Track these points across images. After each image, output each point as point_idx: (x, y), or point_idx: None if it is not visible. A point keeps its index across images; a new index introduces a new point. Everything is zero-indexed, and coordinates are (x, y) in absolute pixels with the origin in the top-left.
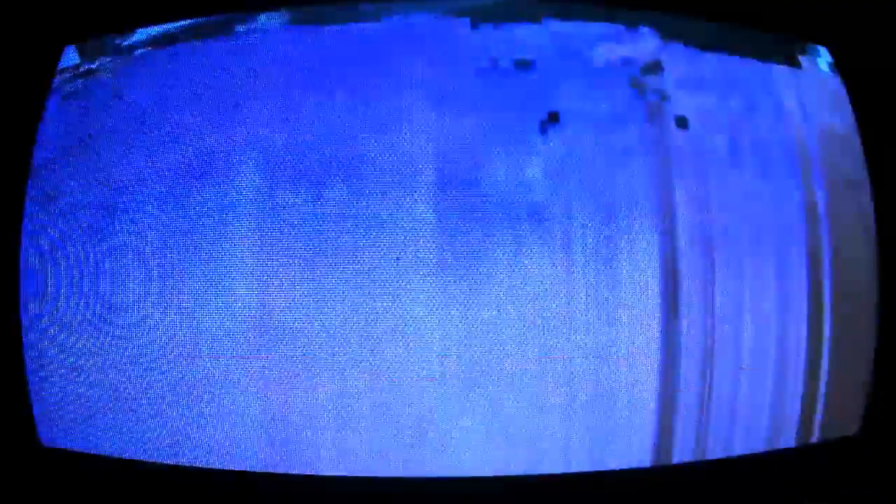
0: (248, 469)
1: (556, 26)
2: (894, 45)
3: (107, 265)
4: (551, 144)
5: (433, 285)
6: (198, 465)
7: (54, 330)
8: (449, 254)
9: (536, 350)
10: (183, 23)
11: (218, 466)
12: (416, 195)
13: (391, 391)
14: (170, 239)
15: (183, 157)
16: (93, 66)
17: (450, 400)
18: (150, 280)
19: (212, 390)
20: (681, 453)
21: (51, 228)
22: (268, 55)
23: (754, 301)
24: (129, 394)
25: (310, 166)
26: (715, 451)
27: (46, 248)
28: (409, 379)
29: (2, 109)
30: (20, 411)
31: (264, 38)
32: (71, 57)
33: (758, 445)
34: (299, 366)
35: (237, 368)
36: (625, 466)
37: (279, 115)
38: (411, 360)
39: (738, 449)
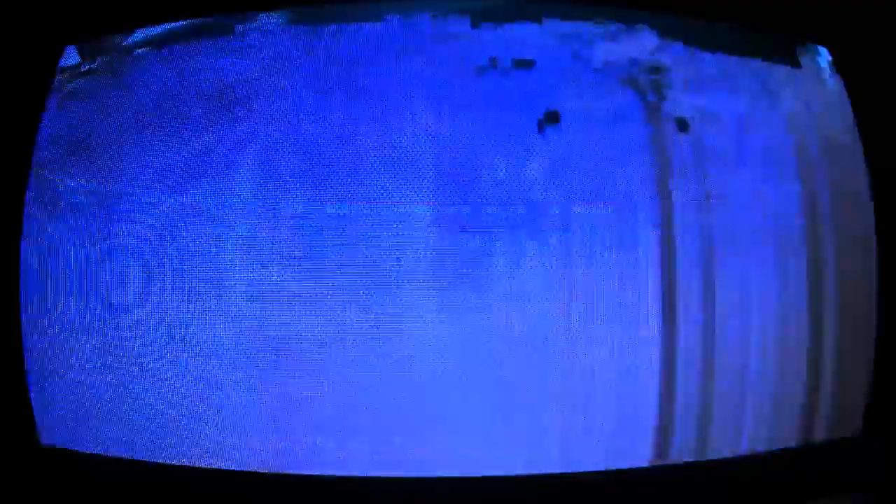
0: (248, 469)
1: (556, 26)
2: (894, 45)
3: (107, 265)
4: (550, 144)
5: (433, 285)
6: (198, 465)
7: (54, 330)
8: (448, 254)
9: (536, 350)
10: (183, 23)
11: (218, 466)
12: (415, 195)
13: (391, 391)
14: (169, 239)
15: (183, 157)
16: (93, 66)
17: (450, 400)
18: (149, 280)
19: (212, 390)
20: (681, 453)
21: (51, 228)
22: (267, 55)
23: (755, 301)
24: (129, 394)
25: (309, 167)
26: (715, 451)
27: (46, 248)
28: (409, 379)
29: (2, 109)
30: (20, 411)
31: (264, 39)
32: (71, 57)
33: (759, 445)
34: (299, 366)
35: (237, 368)
36: (625, 466)
37: (279, 116)
38: (411, 360)
39: (739, 449)
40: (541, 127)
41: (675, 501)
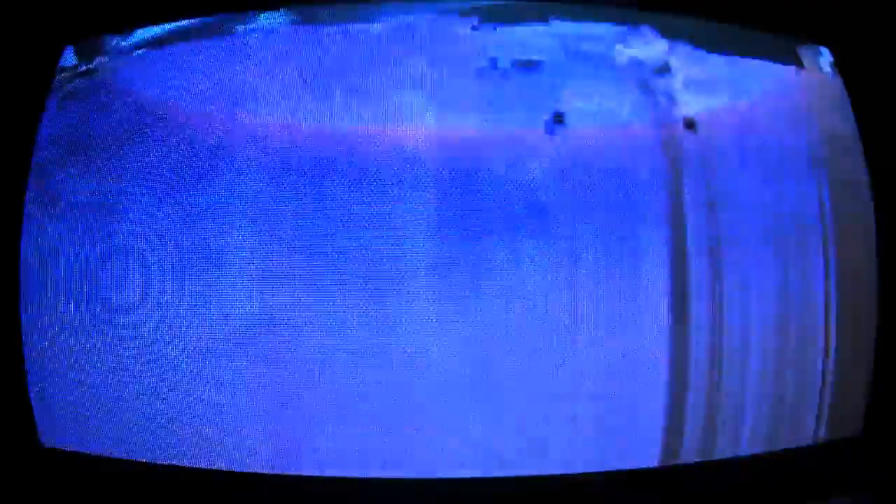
0: (248, 469)
1: (562, 27)
2: (894, 45)
3: (107, 265)
4: (556, 145)
5: (434, 285)
6: (198, 465)
7: (54, 330)
8: (450, 254)
9: (540, 350)
10: (183, 23)
11: (218, 467)
12: (417, 196)
13: (391, 391)
14: (170, 239)
15: (182, 157)
16: (92, 66)
17: (451, 400)
18: (150, 280)
19: (212, 390)
20: (685, 453)
21: (51, 228)
22: (268, 56)
23: (756, 302)
24: (129, 394)
25: (310, 167)
26: (717, 452)
27: (46, 248)
28: (409, 379)
29: (2, 109)
30: (20, 411)
31: (264, 39)
32: (70, 57)
33: (760, 446)
34: (299, 366)
35: (237, 369)
36: (629, 467)
37: (279, 116)
38: (412, 360)
39: (742, 449)
40: (546, 128)
41: (676, 502)
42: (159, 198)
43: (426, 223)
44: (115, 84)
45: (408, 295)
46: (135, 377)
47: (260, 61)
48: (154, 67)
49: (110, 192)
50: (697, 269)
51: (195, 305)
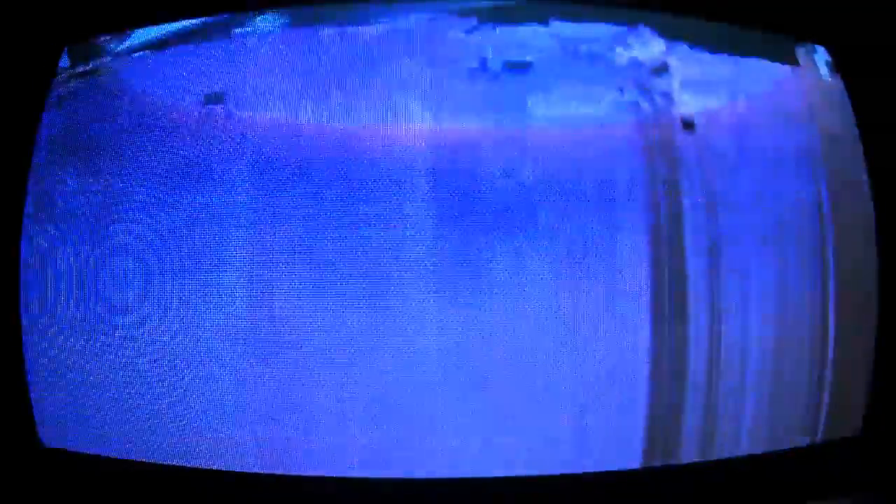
0: (247, 470)
1: (557, 27)
2: (894, 45)
3: (106, 266)
4: (551, 146)
5: (430, 286)
6: (197, 465)
7: (54, 330)
8: (445, 255)
9: (535, 351)
10: (180, 25)
11: (217, 467)
12: (412, 196)
13: (390, 392)
14: (169, 239)
15: (181, 157)
16: (91, 68)
17: (449, 400)
18: (149, 281)
19: (211, 391)
20: (683, 454)
21: (51, 229)
22: (264, 58)
23: (756, 302)
24: (129, 394)
25: (306, 169)
26: (717, 452)
27: (46, 248)
28: (407, 380)
29: (2, 109)
30: (20, 411)
31: (261, 41)
32: (69, 58)
33: (759, 446)
34: (298, 366)
35: (236, 369)
36: (626, 467)
37: (276, 118)
38: (410, 360)
39: (740, 449)
40: (542, 128)
41: (676, 502)
42: (158, 198)
43: (422, 224)
44: (114, 85)
45: (404, 295)
46: (134, 377)
47: (257, 63)
48: (153, 69)
49: (109, 192)
50: (696, 270)
51: (194, 306)
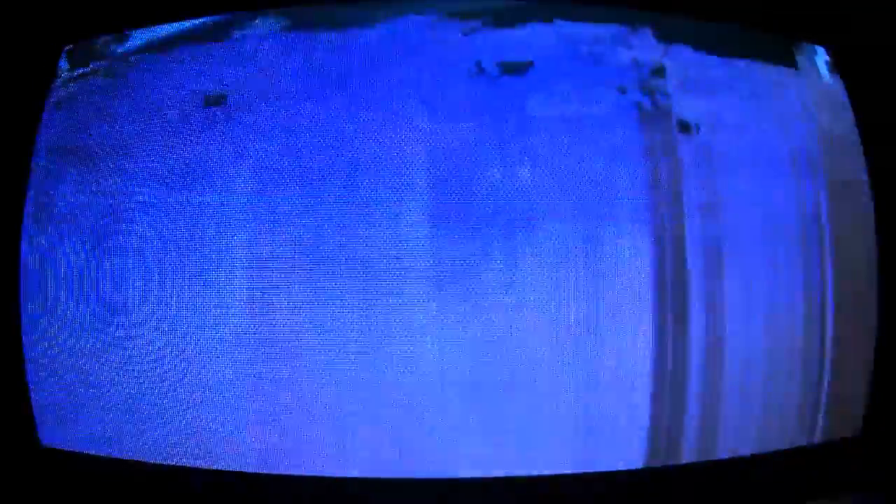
0: (247, 470)
1: (555, 28)
2: (894, 45)
3: (106, 266)
4: (550, 148)
5: (430, 287)
6: (197, 465)
7: (54, 330)
8: (444, 256)
9: (536, 351)
10: (179, 28)
11: (217, 467)
12: (410, 199)
13: (391, 392)
14: (169, 240)
15: (180, 160)
16: (92, 70)
17: (448, 401)
18: (148, 282)
19: (211, 391)
20: (683, 454)
21: (51, 229)
22: (262, 61)
23: (755, 303)
24: (129, 394)
25: (305, 172)
26: (717, 452)
27: (46, 248)
28: (407, 380)
29: (2, 110)
30: (20, 411)
31: (259, 44)
32: (69, 60)
33: (759, 446)
34: (298, 367)
35: (236, 369)
36: (626, 467)
37: (274, 121)
38: (410, 361)
39: (740, 450)
40: (541, 129)
41: (677, 502)
42: (158, 199)
43: (419, 226)
44: (114, 86)
45: (405, 296)
46: (134, 377)
47: (258, 65)
48: (153, 70)
49: (109, 193)
50: (696, 270)
51: (194, 306)
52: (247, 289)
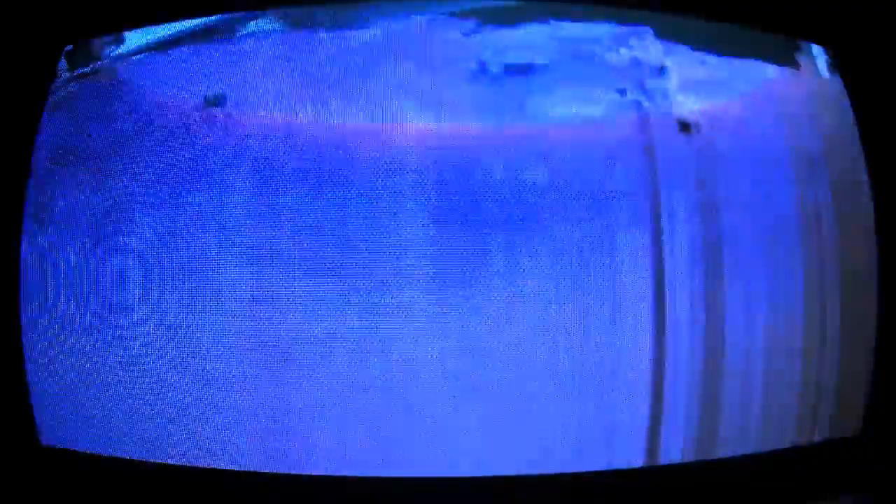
0: (248, 469)
1: (555, 29)
2: (894, 45)
3: (106, 266)
4: (550, 149)
5: (430, 288)
6: (198, 465)
7: (54, 330)
8: (445, 257)
9: (536, 351)
10: (178, 29)
11: (218, 466)
12: (411, 199)
13: (391, 392)
14: (168, 240)
15: (180, 160)
16: (89, 70)
17: (447, 400)
18: (148, 281)
19: (211, 391)
20: (683, 454)
21: (50, 229)
22: (265, 60)
23: (755, 302)
24: (129, 394)
25: (305, 172)
26: (716, 452)
27: (46, 248)
28: (406, 379)
29: (2, 110)
30: (20, 411)
31: (261, 43)
32: (69, 60)
33: (759, 446)
34: (298, 367)
35: (236, 369)
36: (625, 466)
37: (274, 121)
38: (411, 361)
39: (740, 449)
40: (541, 130)
41: (677, 501)
42: (157, 200)
43: (421, 225)
44: (114, 87)
45: (405, 296)
46: (134, 377)
47: (258, 65)
48: (152, 71)
49: (109, 193)
50: (696, 270)
51: (194, 306)
52: (247, 288)
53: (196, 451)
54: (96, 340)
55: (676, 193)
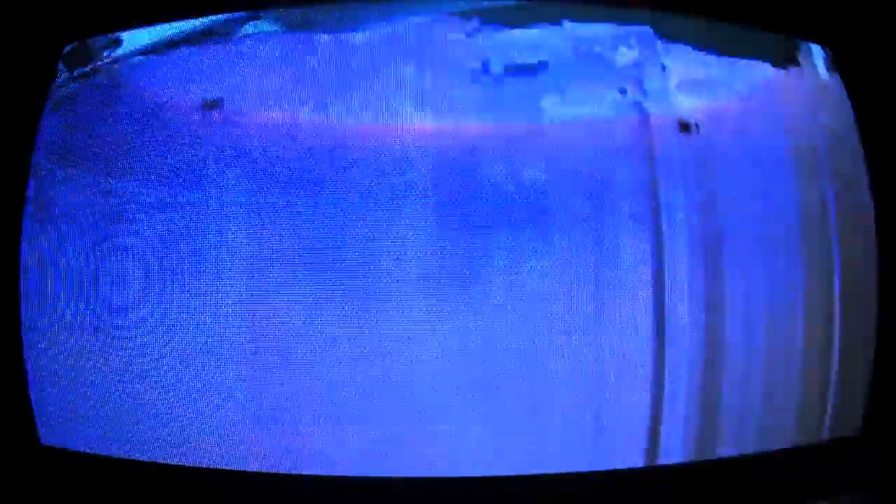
0: (247, 469)
1: (556, 28)
2: (894, 45)
3: (106, 266)
4: (550, 149)
5: (430, 288)
6: (197, 464)
7: (54, 330)
8: (445, 257)
9: (536, 351)
10: (178, 30)
11: (218, 466)
12: (411, 199)
13: (391, 392)
14: (167, 241)
15: (179, 161)
16: (89, 70)
17: (447, 400)
18: (148, 281)
19: (211, 391)
20: (683, 454)
21: (50, 229)
22: (261, 62)
23: (755, 303)
24: (129, 393)
25: (304, 173)
26: (716, 452)
27: (46, 248)
28: (406, 379)
29: (2, 110)
30: (20, 411)
31: (258, 46)
32: (69, 60)
33: (760, 446)
34: (298, 367)
35: (236, 369)
36: (625, 466)
37: (273, 122)
38: (411, 361)
39: (740, 449)
40: (541, 130)
41: (677, 501)
42: (156, 200)
43: (421, 226)
44: (113, 87)
45: (405, 297)
46: (134, 377)
47: (258, 66)
48: (152, 72)
49: (108, 193)
50: (697, 269)
51: (194, 306)
52: (247, 289)
53: (196, 452)
54: (96, 340)
55: (676, 193)
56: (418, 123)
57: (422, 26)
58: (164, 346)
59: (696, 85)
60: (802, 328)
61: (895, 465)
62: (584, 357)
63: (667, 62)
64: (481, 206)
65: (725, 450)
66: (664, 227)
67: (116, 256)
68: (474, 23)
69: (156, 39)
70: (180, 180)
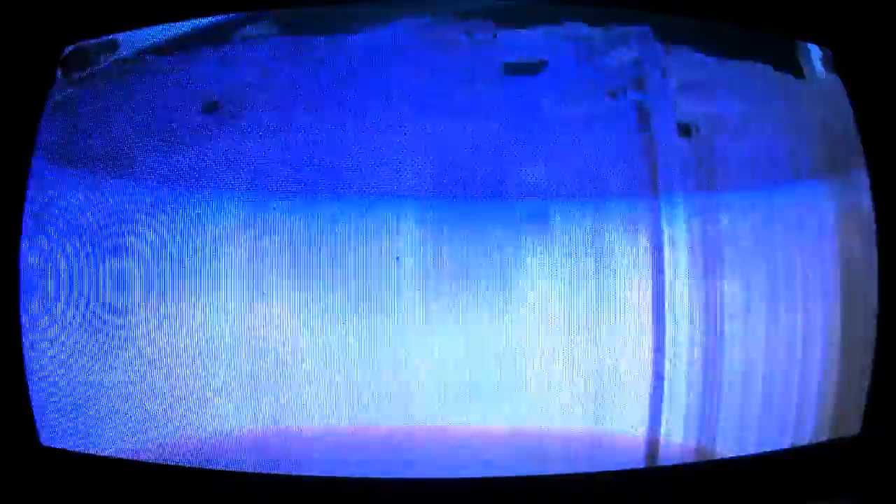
0: (246, 470)
1: (555, 29)
2: (894, 45)
3: (105, 267)
4: (549, 149)
5: (429, 288)
6: (197, 465)
7: (54, 331)
8: (445, 258)
9: (537, 352)
10: (177, 32)
11: (217, 467)
12: (410, 200)
13: (390, 392)
14: (166, 243)
15: (177, 163)
16: (87, 74)
17: (447, 399)
18: (148, 283)
19: (210, 391)
20: (683, 454)
21: (50, 230)
22: (261, 64)
23: (755, 303)
24: (128, 394)
25: (304, 174)
26: (717, 452)
27: (46, 249)
28: (406, 378)
29: (2, 110)
30: (20, 411)
31: (258, 48)
32: (68, 62)
33: (759, 446)
34: (297, 368)
35: (236, 370)
36: (626, 467)
37: (271, 126)
38: (411, 361)
39: (740, 450)
40: (541, 130)
41: (678, 502)
42: (156, 201)
43: (421, 226)
44: (112, 90)
45: (405, 296)
46: (134, 378)
47: (251, 72)
48: (150, 74)
49: (108, 194)
50: (697, 270)
51: (193, 307)
52: (246, 290)
53: (195, 452)
54: (96, 341)
55: (676, 194)
56: (416, 124)
57: (422, 27)
58: (164, 347)
59: (696, 86)
60: (802, 329)
61: (895, 465)
62: (584, 357)
63: (667, 63)
64: (480, 206)
65: (725, 450)
66: (664, 228)
67: (115, 258)
68: (474, 23)
69: (155, 41)
70: (179, 182)
